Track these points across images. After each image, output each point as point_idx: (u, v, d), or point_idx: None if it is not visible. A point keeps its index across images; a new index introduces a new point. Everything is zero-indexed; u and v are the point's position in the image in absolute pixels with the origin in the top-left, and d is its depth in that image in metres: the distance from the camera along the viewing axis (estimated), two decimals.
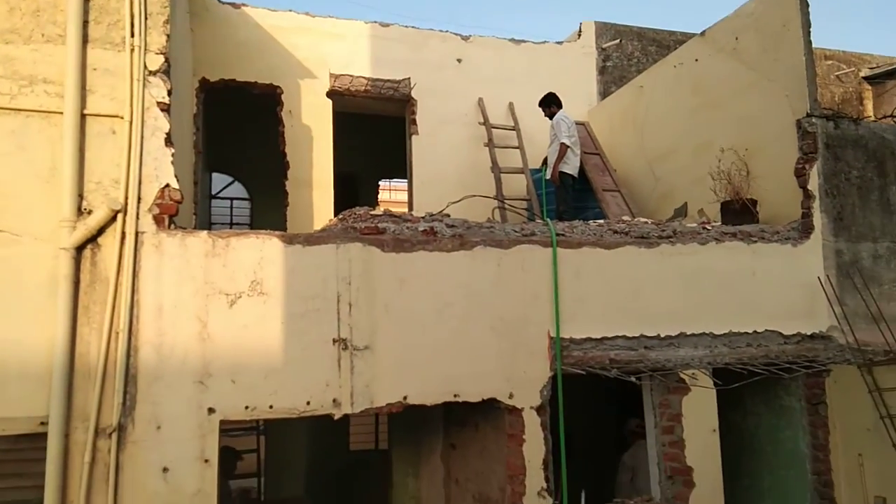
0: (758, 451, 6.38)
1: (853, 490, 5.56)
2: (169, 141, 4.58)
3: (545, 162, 8.29)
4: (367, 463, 9.34)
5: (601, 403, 8.45)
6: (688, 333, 5.54)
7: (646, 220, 5.96)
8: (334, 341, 4.75)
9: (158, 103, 4.58)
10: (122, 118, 4.45)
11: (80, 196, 4.32)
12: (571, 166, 7.88)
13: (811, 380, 5.88)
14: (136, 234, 4.38)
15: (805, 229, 5.97)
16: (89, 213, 4.30)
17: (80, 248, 4.28)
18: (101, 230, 4.32)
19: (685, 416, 5.46)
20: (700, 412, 5.49)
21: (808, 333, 5.84)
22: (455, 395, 5.00)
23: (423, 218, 5.30)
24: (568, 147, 7.77)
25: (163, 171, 4.52)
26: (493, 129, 8.55)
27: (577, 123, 8.46)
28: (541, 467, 5.11)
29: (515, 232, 5.41)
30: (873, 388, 5.29)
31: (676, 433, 5.47)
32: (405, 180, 9.22)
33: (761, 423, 6.36)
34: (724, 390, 5.59)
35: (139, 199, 4.43)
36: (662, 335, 5.48)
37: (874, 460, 5.38)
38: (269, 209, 9.28)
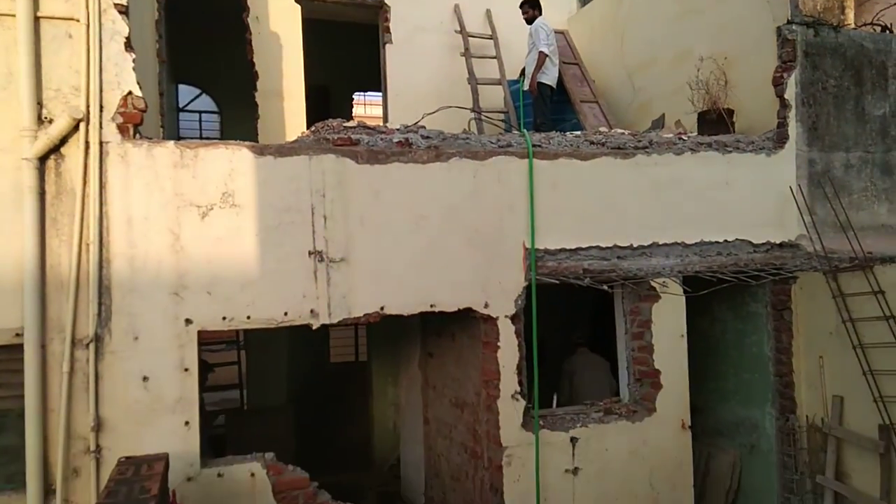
0: (723, 355, 6.63)
1: (813, 390, 5.84)
2: (129, 46, 4.38)
3: (523, 72, 8.12)
4: (347, 374, 9.56)
5: (575, 312, 8.65)
6: (660, 243, 5.61)
7: (623, 131, 5.91)
8: (310, 253, 4.75)
9: (116, 5, 4.34)
10: (77, 21, 4.23)
11: (40, 104, 4.16)
12: (550, 76, 7.73)
13: (778, 286, 6.05)
14: (101, 143, 4.25)
15: (780, 139, 5.98)
16: (50, 122, 4.16)
17: (43, 159, 4.16)
18: (63, 140, 4.19)
19: (655, 322, 5.62)
20: (669, 318, 5.65)
21: (778, 242, 5.95)
22: (431, 306, 5.07)
23: (397, 129, 5.20)
24: (546, 56, 7.59)
25: (124, 77, 4.34)
26: (469, 38, 8.30)
27: (556, 32, 8.24)
28: (514, 372, 5.27)
29: (492, 143, 5.35)
30: (837, 294, 5.45)
31: (646, 339, 5.64)
32: (380, 94, 8.99)
33: (728, 328, 6.58)
34: (694, 298, 5.75)
35: (101, 107, 4.28)
36: (635, 245, 5.55)
37: (834, 362, 5.61)
38: (239, 122, 9.05)
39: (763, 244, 5.91)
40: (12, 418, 4.18)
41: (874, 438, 5.18)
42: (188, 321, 4.44)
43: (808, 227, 5.81)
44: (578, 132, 5.82)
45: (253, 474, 4.58)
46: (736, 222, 5.83)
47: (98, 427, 4.20)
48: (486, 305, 5.20)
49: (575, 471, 5.35)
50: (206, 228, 4.49)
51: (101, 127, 4.26)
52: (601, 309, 7.51)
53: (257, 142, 6.94)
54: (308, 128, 5.11)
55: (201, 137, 10.71)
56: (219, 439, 7.66)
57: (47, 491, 4.11)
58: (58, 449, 4.12)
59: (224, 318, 4.55)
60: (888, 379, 5.10)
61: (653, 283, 5.58)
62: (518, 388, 5.28)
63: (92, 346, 4.18)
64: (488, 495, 5.31)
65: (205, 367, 6.92)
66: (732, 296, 6.30)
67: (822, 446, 5.69)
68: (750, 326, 6.34)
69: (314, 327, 4.77)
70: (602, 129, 6.15)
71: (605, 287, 5.52)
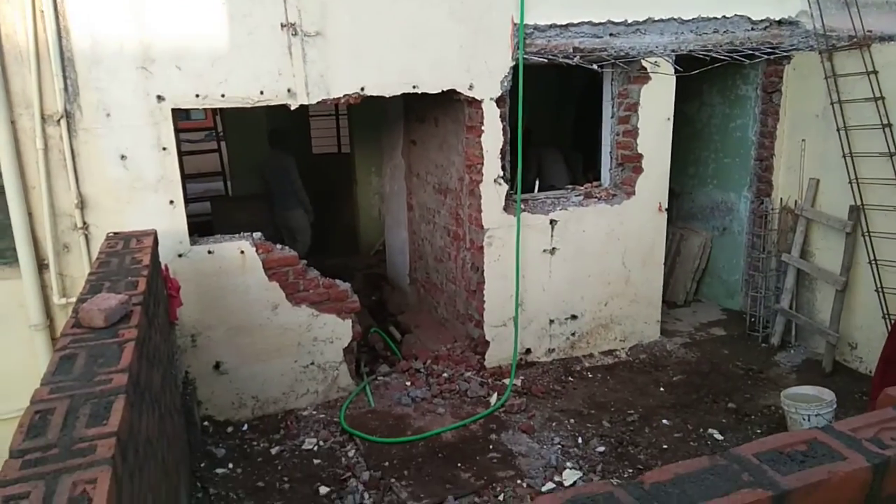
0: (707, 140, 6.64)
1: (791, 174, 5.93)
2: None
3: None
4: (330, 165, 9.54)
5: (561, 98, 8.49)
6: (655, 19, 5.31)
7: None
8: (282, 26, 4.45)
9: None
10: None
11: None
12: None
13: (770, 67, 5.89)
14: None
15: None
16: None
17: None
18: None
19: (642, 105, 5.51)
20: (657, 101, 5.53)
21: (777, 19, 5.66)
22: (414, 87, 4.90)
23: None
24: None
25: None
26: None
27: None
28: (498, 157, 5.25)
29: None
30: (830, 74, 5.31)
31: (632, 122, 5.57)
32: None
33: (715, 112, 6.51)
34: (683, 83, 5.59)
35: None
36: (629, 21, 5.25)
37: (816, 145, 5.63)
38: None
39: (762, 21, 5.62)
40: None
41: (843, 218, 5.37)
42: (160, 98, 4.26)
43: (811, 1, 5.50)
44: None
45: (242, 252, 4.71)
46: None
47: (82, 204, 4.20)
48: (471, 87, 5.04)
49: (552, 251, 5.56)
50: None
51: None
52: (586, 96, 7.35)
53: None
54: None
55: None
56: (206, 226, 7.79)
57: (41, 265, 4.22)
58: (45, 225, 4.15)
59: (197, 96, 4.38)
60: (865, 161, 5.16)
61: (644, 63, 5.38)
62: (501, 173, 5.29)
63: (63, 123, 4.04)
64: (469, 273, 5.57)
65: (282, 134, 7.34)
66: (723, 78, 6.15)
67: (791, 227, 5.92)
68: (737, 110, 6.28)
69: (292, 107, 4.62)
70: None
71: (595, 67, 5.32)
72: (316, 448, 4.56)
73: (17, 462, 1.56)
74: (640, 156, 5.62)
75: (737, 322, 6.46)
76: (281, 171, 7.33)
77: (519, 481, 4.17)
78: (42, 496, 1.43)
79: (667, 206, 5.85)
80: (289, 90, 4.56)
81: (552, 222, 5.51)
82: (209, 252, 4.62)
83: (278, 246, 4.89)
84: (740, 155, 6.31)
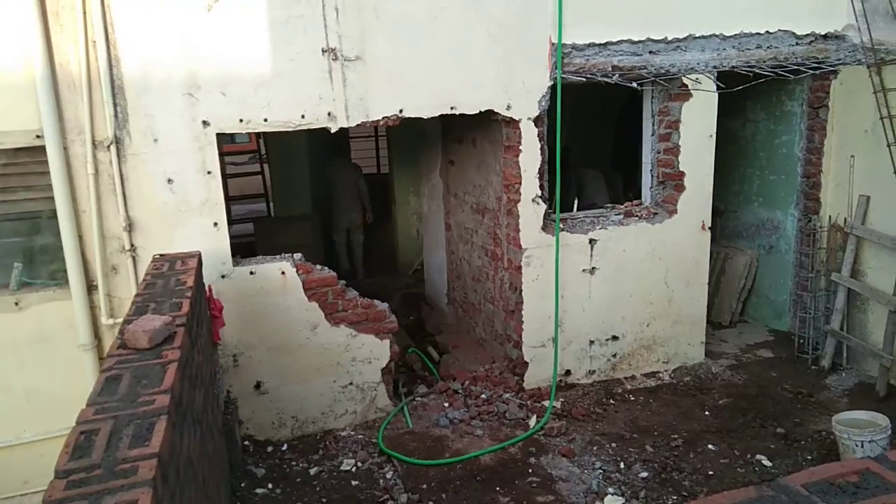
0: (752, 157, 6.50)
1: (840, 190, 5.75)
2: None
3: None
4: (369, 185, 9.64)
5: (600, 118, 8.44)
6: (696, 35, 5.25)
7: None
8: (323, 51, 4.54)
9: None
10: None
11: None
12: None
13: (816, 83, 5.75)
14: None
15: None
16: None
17: None
18: None
19: (684, 122, 5.43)
20: (699, 118, 5.45)
21: (822, 33, 5.54)
22: (452, 108, 4.93)
23: None
24: None
25: None
26: None
27: None
28: (535, 176, 5.23)
29: None
30: (878, 89, 5.16)
31: (673, 140, 5.50)
32: None
33: (759, 129, 6.38)
34: (726, 100, 5.50)
35: None
36: (670, 38, 5.21)
37: (866, 161, 5.47)
38: None
39: (806, 35, 5.51)
40: (45, 219, 4.32)
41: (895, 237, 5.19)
42: (205, 123, 4.38)
43: (858, 14, 5.36)
44: None
45: (283, 272, 4.77)
46: (780, 10, 5.39)
47: (130, 227, 4.33)
48: (509, 107, 5.04)
49: (592, 270, 5.49)
50: (212, 23, 4.27)
51: None
52: (625, 115, 7.29)
53: None
54: None
55: None
56: (249, 246, 7.95)
57: (90, 286, 4.34)
58: (94, 248, 4.29)
59: (241, 121, 4.48)
60: None
61: (685, 81, 5.31)
62: (539, 192, 5.27)
63: (113, 148, 4.18)
64: (508, 293, 5.53)
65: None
66: (768, 94, 6.03)
67: (841, 246, 5.73)
68: (783, 126, 6.14)
69: (332, 130, 4.70)
70: None
71: (635, 85, 5.27)
72: (354, 469, 4.56)
73: (62, 483, 1.59)
74: (682, 173, 5.54)
75: (785, 344, 6.26)
76: (350, 177, 8.31)
77: None
78: None
79: (710, 225, 5.74)
80: (329, 113, 4.63)
81: (591, 241, 5.45)
82: (251, 273, 4.70)
83: (318, 266, 4.94)
84: (786, 172, 6.16)
